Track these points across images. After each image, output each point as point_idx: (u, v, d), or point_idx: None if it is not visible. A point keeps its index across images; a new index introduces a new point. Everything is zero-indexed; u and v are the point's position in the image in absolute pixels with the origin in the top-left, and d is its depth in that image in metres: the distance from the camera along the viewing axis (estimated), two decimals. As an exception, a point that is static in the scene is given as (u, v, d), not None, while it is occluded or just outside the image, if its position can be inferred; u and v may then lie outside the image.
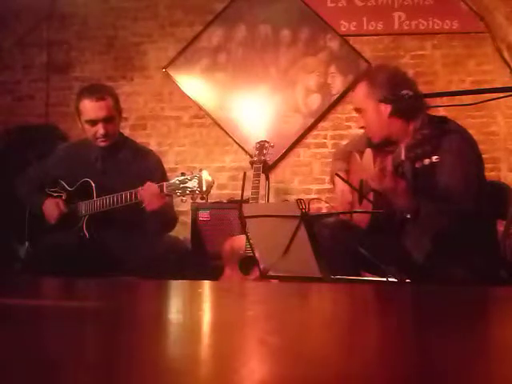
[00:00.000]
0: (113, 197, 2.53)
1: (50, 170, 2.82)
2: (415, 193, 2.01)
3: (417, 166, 1.92)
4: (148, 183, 2.46)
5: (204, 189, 2.36)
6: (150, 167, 2.70)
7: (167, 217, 2.64)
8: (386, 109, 2.16)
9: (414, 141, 2.05)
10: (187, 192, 2.37)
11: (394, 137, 2.18)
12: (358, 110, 2.30)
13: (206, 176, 2.37)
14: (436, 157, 1.82)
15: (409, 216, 1.98)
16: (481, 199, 2.04)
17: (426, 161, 1.84)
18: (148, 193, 2.44)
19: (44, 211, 2.70)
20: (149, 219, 2.54)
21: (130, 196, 2.48)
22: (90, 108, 2.60)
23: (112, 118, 2.63)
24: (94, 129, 2.62)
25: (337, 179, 2.42)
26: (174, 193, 2.40)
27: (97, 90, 2.65)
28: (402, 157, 1.94)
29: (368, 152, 2.24)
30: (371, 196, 2.14)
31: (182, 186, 2.38)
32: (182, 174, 2.41)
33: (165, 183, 2.42)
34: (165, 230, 2.72)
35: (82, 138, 2.79)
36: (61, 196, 2.74)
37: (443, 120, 2.15)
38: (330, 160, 2.76)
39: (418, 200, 2.00)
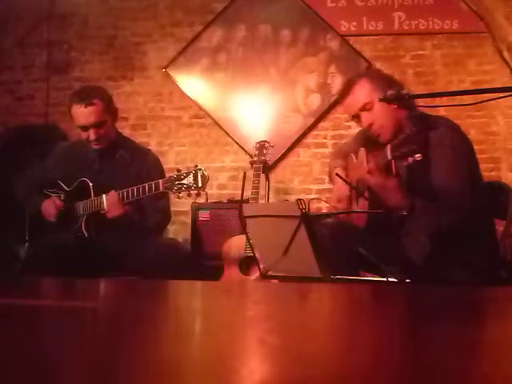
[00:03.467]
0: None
1: (48, 170, 2.83)
2: (409, 190, 2.01)
3: (404, 164, 1.92)
4: (111, 192, 2.51)
5: (200, 185, 2.36)
6: (148, 167, 2.71)
7: (162, 215, 2.73)
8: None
9: (398, 140, 2.03)
10: (183, 189, 2.37)
11: (401, 128, 2.12)
12: (362, 109, 2.23)
13: (201, 172, 2.37)
14: (419, 155, 1.82)
15: (405, 213, 1.97)
16: (474, 195, 2.04)
17: (410, 159, 1.84)
18: (109, 201, 2.51)
19: (43, 211, 2.70)
20: (145, 218, 2.61)
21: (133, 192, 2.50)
22: (79, 114, 2.60)
23: (103, 123, 2.63)
24: (86, 134, 2.64)
25: (336, 177, 2.42)
26: (170, 190, 2.40)
27: (86, 95, 2.61)
28: (389, 157, 1.93)
29: (362, 151, 2.25)
30: (367, 194, 2.14)
31: (177, 182, 2.38)
32: (178, 171, 2.41)
33: (161, 181, 2.42)
34: (158, 229, 2.77)
35: (80, 138, 2.79)
36: (60, 196, 2.74)
37: (424, 116, 2.13)
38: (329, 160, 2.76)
39: (412, 197, 2.00)
